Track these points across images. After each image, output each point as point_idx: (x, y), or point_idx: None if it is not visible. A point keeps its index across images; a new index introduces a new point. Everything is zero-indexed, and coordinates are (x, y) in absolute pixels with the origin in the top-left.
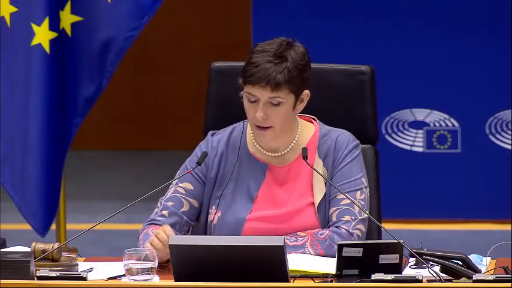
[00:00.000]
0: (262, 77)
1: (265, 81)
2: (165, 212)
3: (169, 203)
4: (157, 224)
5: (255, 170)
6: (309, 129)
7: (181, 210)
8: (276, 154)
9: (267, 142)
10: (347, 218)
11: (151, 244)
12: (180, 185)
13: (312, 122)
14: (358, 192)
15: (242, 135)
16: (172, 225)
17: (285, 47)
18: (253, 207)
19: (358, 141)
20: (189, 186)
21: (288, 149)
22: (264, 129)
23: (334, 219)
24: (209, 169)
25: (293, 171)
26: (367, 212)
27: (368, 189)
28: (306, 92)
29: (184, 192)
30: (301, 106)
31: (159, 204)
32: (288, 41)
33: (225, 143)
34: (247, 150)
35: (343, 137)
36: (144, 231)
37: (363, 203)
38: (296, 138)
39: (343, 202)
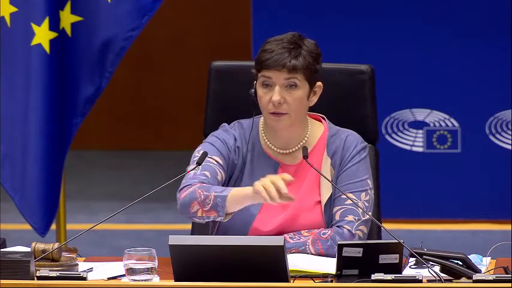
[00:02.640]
0: (279, 60)
1: (282, 64)
2: (207, 173)
3: (205, 172)
4: (204, 182)
5: (267, 167)
6: (318, 128)
7: (218, 177)
8: (287, 151)
9: (281, 129)
10: (350, 218)
11: (260, 186)
12: (212, 156)
13: (320, 121)
14: (363, 193)
15: (253, 132)
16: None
17: (297, 37)
18: (263, 204)
19: (366, 144)
20: (219, 160)
21: (298, 146)
22: (279, 115)
23: (337, 218)
24: (233, 160)
25: (302, 170)
26: (370, 213)
27: (373, 191)
28: (319, 83)
29: (216, 163)
30: (314, 98)
31: (191, 173)
32: (298, 33)
33: (240, 138)
34: (259, 147)
35: (352, 137)
36: (191, 189)
37: (367, 204)
38: (307, 136)
39: (348, 202)
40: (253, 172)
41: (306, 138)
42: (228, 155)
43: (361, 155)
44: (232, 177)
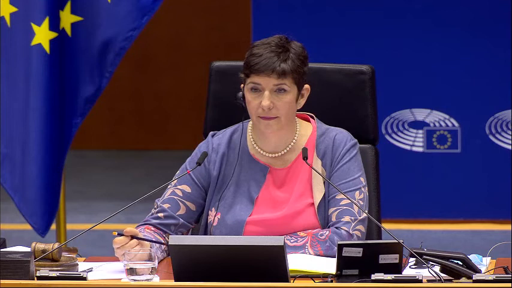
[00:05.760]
0: (268, 65)
1: (271, 69)
2: (160, 214)
3: (166, 205)
4: (151, 225)
5: (256, 172)
6: (307, 129)
7: (178, 213)
8: (276, 155)
9: (271, 133)
10: (347, 218)
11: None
12: (178, 186)
13: (309, 121)
14: (357, 192)
15: (242, 137)
16: (168, 227)
17: (284, 40)
18: (253, 209)
19: (355, 140)
20: (187, 188)
21: (288, 149)
22: (269, 119)
23: (333, 219)
24: (210, 171)
25: (292, 173)
26: (366, 211)
27: (367, 188)
28: (306, 86)
29: (181, 194)
30: (302, 101)
31: (155, 206)
32: (285, 36)
33: (225, 144)
34: (247, 152)
35: (341, 135)
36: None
37: (362, 202)
38: (295, 139)
39: (343, 202)
40: (239, 178)
41: (294, 141)
42: (203, 176)
43: (351, 152)
44: (220, 186)
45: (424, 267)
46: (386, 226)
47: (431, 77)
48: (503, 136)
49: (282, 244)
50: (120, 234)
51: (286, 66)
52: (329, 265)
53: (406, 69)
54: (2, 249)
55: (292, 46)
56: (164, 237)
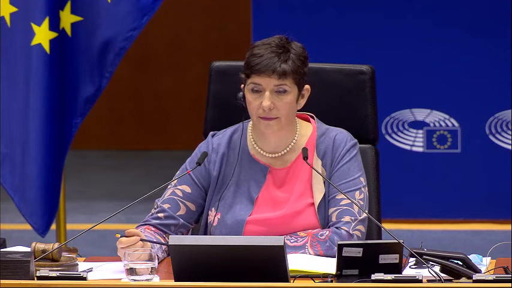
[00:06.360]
0: (269, 65)
1: (272, 69)
2: (160, 215)
3: (166, 205)
4: (151, 225)
5: (256, 172)
6: (307, 129)
7: (178, 213)
8: (276, 155)
9: (271, 133)
10: (347, 218)
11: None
12: (178, 187)
13: (309, 121)
14: (357, 192)
15: (242, 137)
16: (168, 227)
17: (285, 40)
18: (253, 209)
19: (356, 140)
20: (187, 189)
21: (288, 149)
22: (269, 119)
23: (333, 219)
24: (210, 171)
25: (292, 173)
26: (367, 211)
27: (367, 188)
28: (307, 86)
29: (181, 195)
30: (302, 101)
31: (155, 206)
32: (285, 36)
33: (225, 144)
34: (247, 152)
35: (341, 136)
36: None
37: (362, 202)
38: (295, 139)
39: (343, 202)
40: (239, 178)
41: (294, 141)
42: (203, 176)
43: (352, 152)
44: (220, 186)
45: (424, 267)
46: (386, 226)
47: (431, 77)
48: (503, 136)
49: (282, 244)
50: (122, 236)
51: (286, 67)
52: (329, 265)
53: (406, 69)
54: (2, 249)
55: (292, 46)
56: (164, 238)
